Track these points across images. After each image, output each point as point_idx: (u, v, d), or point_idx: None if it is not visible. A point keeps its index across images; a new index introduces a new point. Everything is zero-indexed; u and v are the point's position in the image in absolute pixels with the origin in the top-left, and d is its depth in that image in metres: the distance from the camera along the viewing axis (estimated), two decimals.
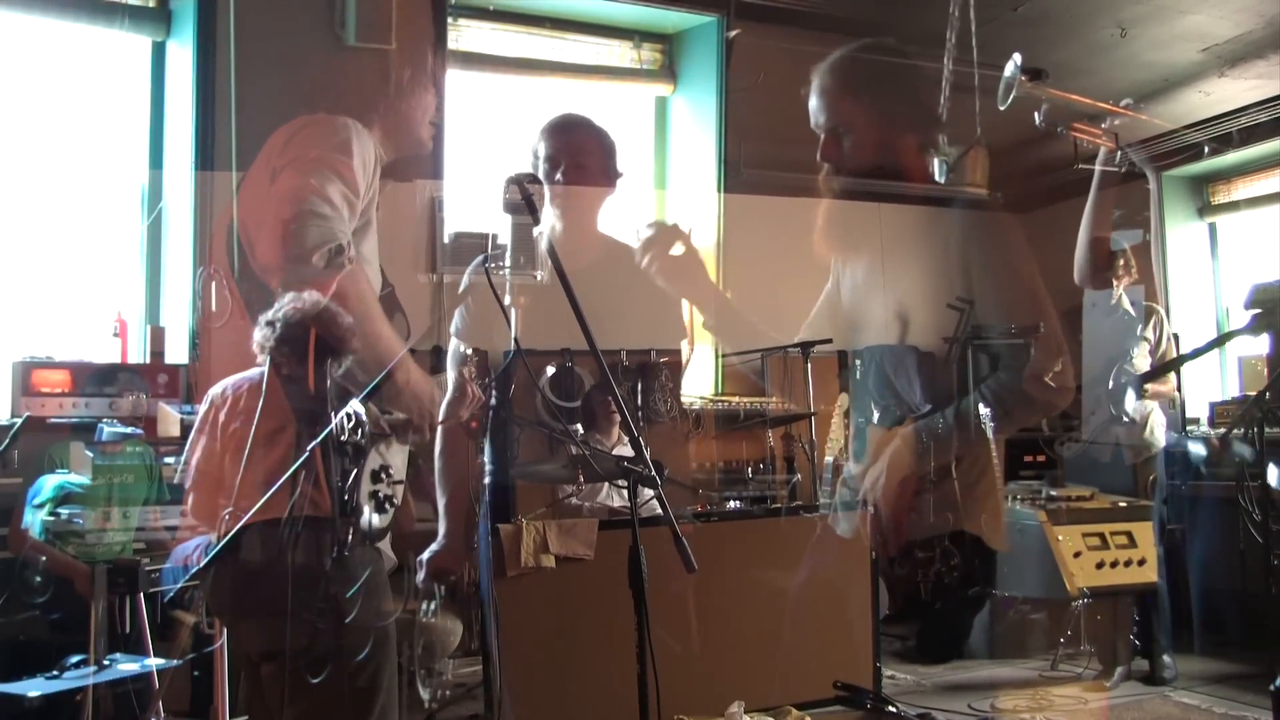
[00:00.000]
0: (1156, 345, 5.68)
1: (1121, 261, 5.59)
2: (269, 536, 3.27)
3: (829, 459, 4.26)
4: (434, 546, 3.72)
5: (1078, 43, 5.94)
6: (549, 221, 3.56)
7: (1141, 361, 5.57)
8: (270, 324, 3.58)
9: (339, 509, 3.28)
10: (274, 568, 3.26)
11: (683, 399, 3.98)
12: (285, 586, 3.22)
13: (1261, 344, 4.97)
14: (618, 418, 3.84)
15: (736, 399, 5.89)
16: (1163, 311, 5.84)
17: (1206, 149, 6.19)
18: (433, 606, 4.26)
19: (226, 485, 3.38)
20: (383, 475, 3.39)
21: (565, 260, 2.89)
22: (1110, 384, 5.54)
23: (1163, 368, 5.56)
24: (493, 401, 3.31)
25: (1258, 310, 4.38)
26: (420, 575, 3.76)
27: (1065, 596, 5.00)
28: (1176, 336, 5.85)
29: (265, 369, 3.55)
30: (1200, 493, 4.90)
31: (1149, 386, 5.58)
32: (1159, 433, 5.46)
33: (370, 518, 3.42)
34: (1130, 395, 5.48)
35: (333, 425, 3.18)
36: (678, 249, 3.69)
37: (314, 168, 4.33)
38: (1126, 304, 5.65)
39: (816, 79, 3.76)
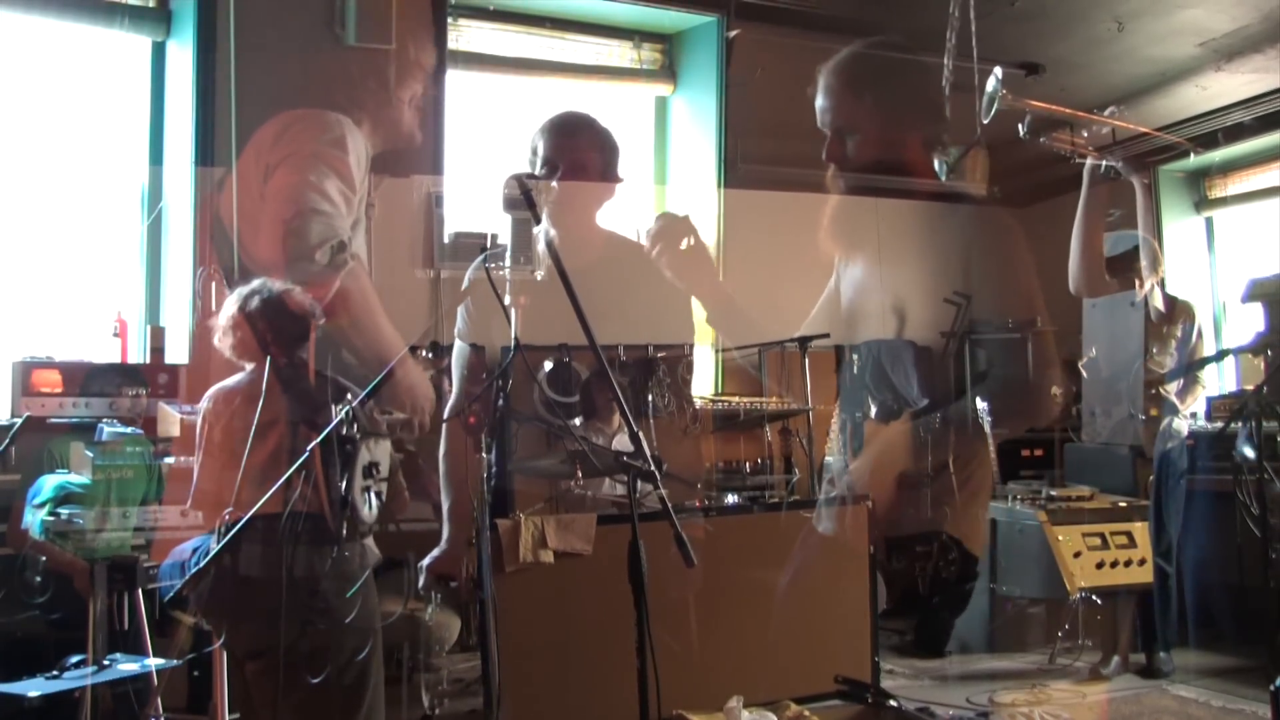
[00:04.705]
0: (1184, 342, 5.67)
1: (1148, 260, 5.59)
2: (264, 535, 3.27)
3: (829, 460, 4.26)
4: (435, 552, 3.73)
5: (1075, 37, 5.95)
6: (548, 222, 3.56)
7: (1166, 360, 5.57)
8: (232, 328, 3.57)
9: (335, 506, 3.28)
10: (268, 567, 3.27)
11: (691, 395, 3.97)
12: (279, 586, 3.23)
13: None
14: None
15: (736, 398, 5.89)
16: (1194, 308, 5.83)
17: (1192, 155, 6.20)
18: (431, 610, 4.27)
19: (226, 499, 3.38)
20: (373, 471, 3.39)
21: (567, 258, 2.89)
22: (1130, 381, 5.54)
23: (1176, 372, 5.54)
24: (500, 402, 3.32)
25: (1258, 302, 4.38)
26: (421, 582, 3.77)
27: (1065, 597, 5.00)
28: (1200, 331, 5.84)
29: (253, 368, 3.56)
30: (1195, 486, 4.89)
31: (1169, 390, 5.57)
32: (1180, 423, 5.45)
33: (364, 513, 3.44)
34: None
35: (334, 423, 3.18)
36: (686, 242, 3.70)
37: (310, 164, 4.34)
38: (1158, 301, 5.64)
39: (821, 79, 3.77)
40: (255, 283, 3.65)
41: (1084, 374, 5.76)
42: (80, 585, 3.76)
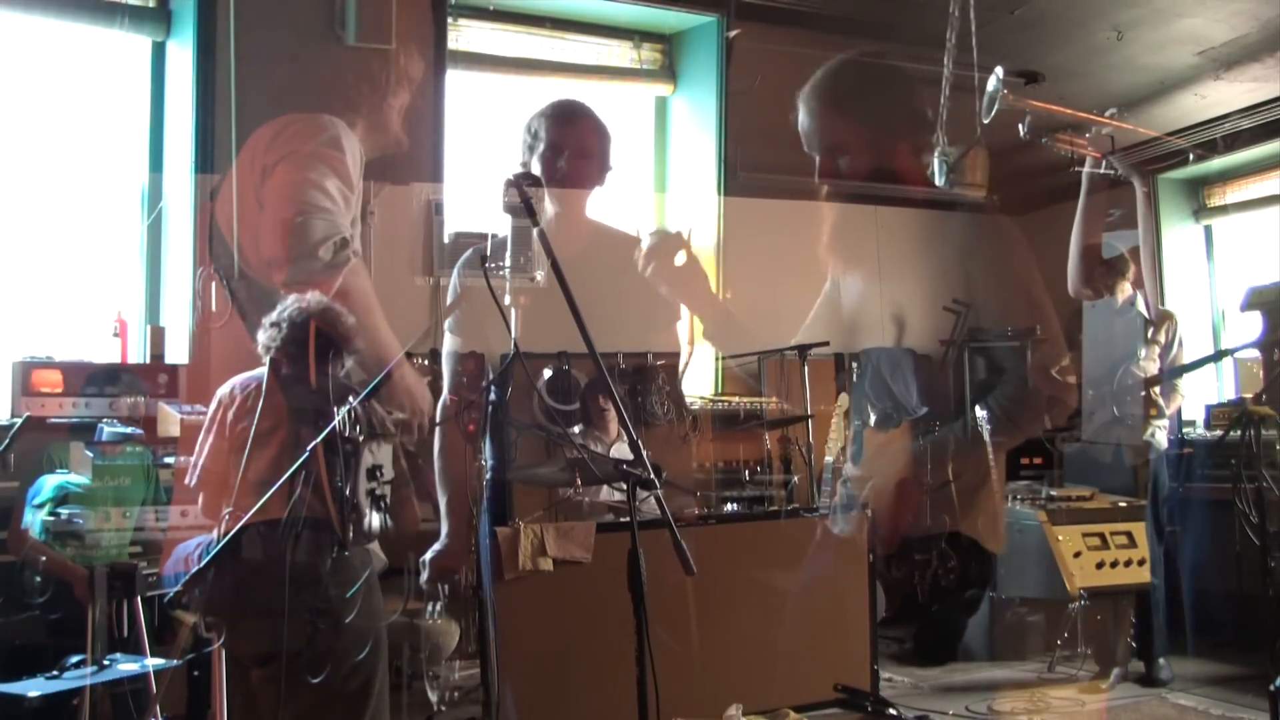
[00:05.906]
0: (1167, 349, 5.68)
1: (1122, 267, 5.60)
2: (265, 539, 3.28)
3: (828, 459, 4.26)
4: (436, 546, 3.71)
5: (1074, 46, 5.95)
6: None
7: (1150, 365, 5.58)
8: (275, 325, 3.59)
9: (340, 509, 3.28)
10: (269, 571, 3.27)
11: (685, 400, 3.97)
12: (280, 590, 3.23)
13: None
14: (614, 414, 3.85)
15: (735, 399, 5.90)
16: (1177, 317, 5.84)
17: (1191, 156, 6.21)
18: (436, 608, 4.26)
19: (232, 484, 3.40)
20: (377, 474, 3.40)
21: (555, 248, 2.88)
22: (1115, 385, 5.55)
23: (1155, 379, 5.56)
24: (492, 399, 3.31)
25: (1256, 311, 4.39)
26: (424, 576, 3.76)
27: (1065, 597, 5.01)
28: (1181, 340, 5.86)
29: (266, 369, 3.57)
30: (1194, 494, 4.90)
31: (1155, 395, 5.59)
32: (1160, 435, 5.47)
33: (369, 518, 3.43)
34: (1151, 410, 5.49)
35: (334, 425, 3.19)
36: (680, 257, 3.68)
37: (310, 162, 4.36)
38: (1141, 306, 5.65)
39: (802, 103, 3.74)
40: (310, 295, 3.67)
41: (1062, 379, 5.77)
42: (80, 592, 3.76)
